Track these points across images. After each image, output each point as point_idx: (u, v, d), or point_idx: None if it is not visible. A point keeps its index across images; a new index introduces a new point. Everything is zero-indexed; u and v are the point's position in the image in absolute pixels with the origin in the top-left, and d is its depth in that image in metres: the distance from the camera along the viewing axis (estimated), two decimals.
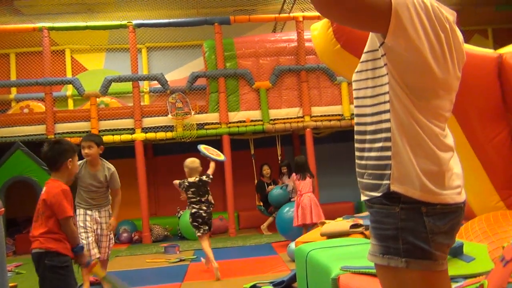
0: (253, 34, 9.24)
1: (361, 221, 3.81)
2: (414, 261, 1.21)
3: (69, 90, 9.34)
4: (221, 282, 4.74)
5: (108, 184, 4.38)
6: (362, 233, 3.65)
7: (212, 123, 8.19)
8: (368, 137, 1.32)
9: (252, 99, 8.32)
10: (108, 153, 6.27)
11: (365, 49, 1.37)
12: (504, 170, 2.62)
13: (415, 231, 1.21)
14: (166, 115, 8.09)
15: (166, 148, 9.13)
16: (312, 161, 8.17)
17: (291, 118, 8.30)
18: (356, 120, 1.38)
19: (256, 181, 8.59)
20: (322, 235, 3.80)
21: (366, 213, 4.43)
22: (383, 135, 1.28)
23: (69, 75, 9.38)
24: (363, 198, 1.34)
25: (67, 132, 7.94)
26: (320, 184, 8.39)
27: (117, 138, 7.92)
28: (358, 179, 1.36)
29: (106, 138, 7.74)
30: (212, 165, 5.42)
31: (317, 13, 8.55)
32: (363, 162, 1.33)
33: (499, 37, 9.60)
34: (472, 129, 2.61)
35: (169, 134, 8.09)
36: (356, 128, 1.38)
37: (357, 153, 1.37)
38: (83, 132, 7.82)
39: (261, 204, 8.33)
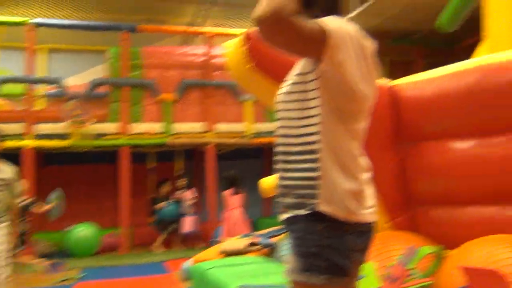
0: (161, 45, 9.06)
1: (259, 240, 3.90)
2: (334, 278, 1.25)
3: None
4: None
5: None
6: (259, 251, 3.74)
7: (111, 133, 7.82)
8: (293, 157, 1.35)
9: (156, 111, 8.11)
10: None
11: (296, 71, 1.41)
12: (394, 193, 2.79)
13: (337, 248, 1.26)
14: (61, 122, 7.57)
15: (57, 158, 8.53)
16: (212, 178, 8.14)
17: (194, 133, 8.20)
18: (280, 140, 1.40)
19: (151, 197, 8.32)
20: (221, 253, 3.82)
21: (263, 232, 4.48)
22: (311, 156, 1.31)
23: None
24: (284, 216, 1.36)
25: None
26: (219, 201, 8.34)
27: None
28: (279, 198, 1.38)
29: None
30: None
31: (227, 30, 8.67)
32: (287, 182, 1.36)
33: (395, 69, 10.49)
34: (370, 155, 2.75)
35: (64, 143, 7.57)
36: (279, 148, 1.40)
37: (280, 174, 1.39)
38: None
39: (153, 221, 8.11)
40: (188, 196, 8.10)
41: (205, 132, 8.26)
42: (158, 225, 8.04)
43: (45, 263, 6.54)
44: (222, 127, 8.37)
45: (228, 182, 6.79)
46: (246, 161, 9.75)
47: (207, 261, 3.57)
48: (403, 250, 2.29)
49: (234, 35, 8.33)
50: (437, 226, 2.62)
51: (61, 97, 7.91)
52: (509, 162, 2.28)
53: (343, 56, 1.28)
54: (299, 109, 1.36)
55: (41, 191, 8.34)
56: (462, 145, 2.51)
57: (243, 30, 8.89)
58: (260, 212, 9.65)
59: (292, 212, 1.32)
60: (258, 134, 8.43)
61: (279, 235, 3.85)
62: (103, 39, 8.60)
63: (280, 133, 1.41)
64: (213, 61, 8.36)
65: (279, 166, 1.40)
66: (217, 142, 8.29)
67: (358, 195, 1.30)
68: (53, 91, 8.49)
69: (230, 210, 6.54)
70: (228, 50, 3.31)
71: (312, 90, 1.33)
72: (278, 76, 2.68)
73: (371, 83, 1.36)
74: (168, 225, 7.95)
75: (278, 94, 1.44)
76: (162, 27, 8.41)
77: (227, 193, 6.65)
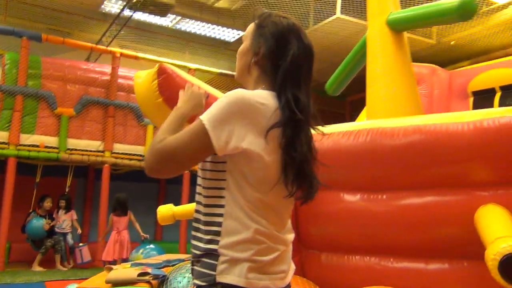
0: (64, 57, 8.77)
1: (149, 270, 3.71)
2: None
3: None
4: None
5: None
6: (148, 282, 3.53)
7: None
8: (201, 226, 1.34)
9: (51, 124, 7.80)
10: None
11: None
12: None
13: None
14: None
15: None
16: (105, 198, 7.99)
17: (90, 151, 8.02)
18: (195, 206, 1.39)
19: (28, 212, 7.89)
20: (107, 282, 3.59)
21: (154, 261, 4.47)
22: (215, 228, 1.31)
23: None
24: (194, 282, 1.36)
25: None
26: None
27: None
28: (191, 266, 1.39)
29: None
30: None
31: (134, 53, 8.67)
32: (196, 251, 1.35)
33: None
34: None
35: None
36: (194, 214, 1.39)
37: (192, 241, 1.39)
38: None
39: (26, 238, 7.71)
40: (66, 217, 7.88)
41: (103, 151, 8.12)
42: (32, 242, 7.66)
43: None
44: (121, 147, 8.29)
45: (117, 204, 7.22)
46: (143, 184, 9.70)
47: None
48: None
49: (142, 59, 8.49)
50: (323, 271, 2.90)
51: None
52: (387, 218, 2.66)
53: (230, 134, 1.24)
54: (208, 178, 1.34)
55: None
56: (349, 197, 2.81)
57: (152, 57, 9.03)
58: (153, 235, 9.60)
59: (196, 283, 1.32)
60: None
61: (172, 265, 3.80)
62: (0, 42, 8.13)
63: (196, 199, 1.39)
64: (118, 81, 8.33)
65: (192, 233, 1.39)
66: (114, 162, 8.19)
67: (261, 264, 1.28)
68: None
69: (118, 232, 6.98)
70: (138, 80, 3.29)
71: (223, 162, 1.31)
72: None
73: (274, 148, 1.31)
74: (41, 243, 7.59)
75: None
76: (68, 40, 8.18)
77: (114, 214, 7.15)
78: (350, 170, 2.87)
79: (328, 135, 2.99)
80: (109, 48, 8.44)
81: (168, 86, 2.97)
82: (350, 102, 11.51)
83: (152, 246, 6.63)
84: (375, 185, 2.78)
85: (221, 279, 1.26)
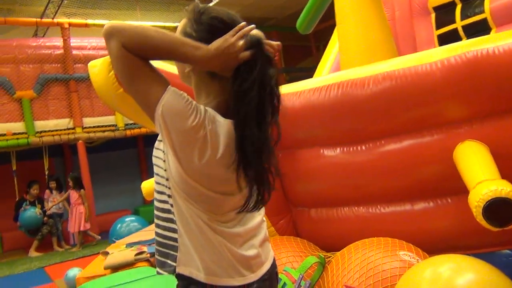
0: (9, 37, 8.29)
1: (145, 248, 3.81)
2: None
3: None
4: None
5: None
6: (147, 260, 3.64)
7: None
8: (159, 213, 1.31)
9: (14, 110, 7.53)
10: None
11: None
12: (273, 199, 3.03)
13: None
14: None
15: None
16: (86, 172, 7.92)
17: (61, 130, 7.83)
18: (155, 194, 1.34)
19: (17, 200, 7.82)
20: (106, 268, 3.63)
21: (146, 237, 4.52)
22: (171, 215, 1.28)
23: None
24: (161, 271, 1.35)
25: None
26: (96, 195, 8.18)
27: None
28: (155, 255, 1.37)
29: None
30: None
31: (83, 21, 8.26)
32: (156, 237, 1.34)
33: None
34: None
35: None
36: (154, 202, 1.35)
37: (155, 220, 1.36)
38: None
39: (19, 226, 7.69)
40: (60, 197, 7.87)
41: (73, 128, 7.92)
42: (26, 231, 7.65)
43: None
44: (91, 121, 8.10)
45: (73, 181, 7.70)
46: (122, 152, 9.62)
47: (93, 280, 3.36)
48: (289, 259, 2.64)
49: (93, 25, 8.07)
50: (314, 226, 2.98)
51: None
52: (370, 167, 2.67)
53: (170, 133, 1.18)
54: (160, 167, 1.29)
55: None
56: (329, 152, 2.82)
57: (102, 21, 8.57)
58: (141, 200, 9.66)
59: (158, 271, 1.34)
60: (130, 126, 8.35)
61: None
62: None
63: (155, 188, 1.34)
64: (72, 53, 7.97)
65: (155, 220, 1.35)
66: (87, 137, 8.03)
67: (218, 264, 1.27)
68: None
69: (74, 206, 7.64)
70: (94, 70, 3.06)
71: (161, 158, 1.28)
72: None
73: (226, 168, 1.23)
74: (36, 230, 7.60)
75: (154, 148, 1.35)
76: (10, 18, 7.68)
77: (72, 191, 7.70)
78: (326, 126, 2.86)
79: (299, 93, 2.94)
80: (55, 20, 7.97)
81: None
82: (314, 34, 11.29)
83: (132, 218, 6.62)
84: (353, 137, 2.78)
85: (180, 270, 1.29)
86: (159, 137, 1.30)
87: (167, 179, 1.26)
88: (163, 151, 1.26)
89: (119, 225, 6.37)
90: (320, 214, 2.99)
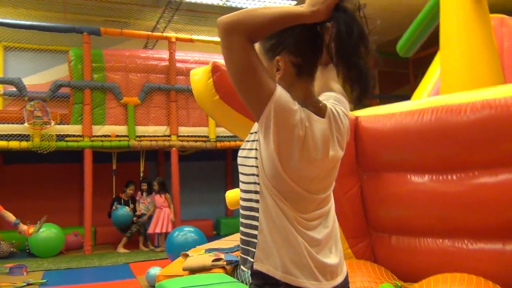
0: (123, 47, 9.05)
1: (222, 255, 3.93)
2: None
3: None
4: None
5: None
6: (223, 267, 3.75)
7: (74, 135, 7.82)
8: (243, 212, 1.36)
9: (119, 114, 8.15)
10: None
11: (251, 129, 1.38)
12: (354, 221, 3.00)
13: None
14: (22, 123, 7.49)
15: (19, 156, 8.41)
16: (176, 179, 8.31)
17: (158, 136, 8.32)
18: (240, 194, 1.39)
19: (112, 198, 8.39)
20: (185, 269, 3.80)
21: (226, 245, 4.63)
22: (254, 213, 1.31)
23: None
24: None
25: None
26: (182, 202, 8.55)
27: None
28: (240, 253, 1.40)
29: None
30: None
31: (189, 36, 8.81)
32: (240, 235, 1.38)
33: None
34: None
35: (24, 144, 7.48)
36: (240, 202, 1.39)
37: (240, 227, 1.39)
38: None
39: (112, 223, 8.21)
40: (150, 199, 8.29)
41: (169, 135, 8.40)
42: (118, 227, 8.16)
43: (6, 265, 6.49)
44: (186, 130, 8.52)
45: (158, 185, 8.02)
46: (211, 163, 10.01)
47: (171, 279, 3.54)
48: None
49: (197, 41, 8.56)
50: (394, 254, 2.89)
51: (20, 97, 7.81)
52: (460, 199, 2.56)
53: (275, 132, 1.21)
54: (245, 174, 1.34)
55: (1, 190, 8.27)
56: (417, 179, 2.75)
57: (206, 38, 9.03)
58: (224, 212, 9.92)
59: (242, 268, 1.41)
60: (221, 138, 8.67)
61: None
62: (63, 39, 8.49)
63: (241, 188, 1.38)
64: (176, 65, 8.50)
65: (240, 220, 1.39)
66: (180, 145, 8.46)
67: (299, 264, 1.27)
68: (11, 90, 8.36)
69: (158, 209, 7.96)
70: (194, 77, 3.29)
71: (253, 158, 1.31)
72: (245, 109, 2.78)
73: (316, 167, 1.28)
74: (126, 228, 8.07)
75: (240, 149, 1.40)
76: (125, 30, 8.40)
77: (156, 195, 7.95)
78: (416, 151, 2.78)
79: (390, 115, 2.89)
80: (164, 34, 8.59)
81: (223, 83, 2.97)
82: (413, 61, 10.99)
83: (190, 228, 6.76)
84: (444, 165, 2.67)
85: (258, 267, 1.30)
86: (248, 137, 1.37)
87: (256, 175, 1.29)
88: (255, 149, 1.30)
89: (176, 233, 6.62)
90: (401, 242, 2.88)
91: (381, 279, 2.66)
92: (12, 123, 7.51)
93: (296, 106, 1.24)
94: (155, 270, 5.20)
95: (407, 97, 5.38)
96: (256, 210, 1.30)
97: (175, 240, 6.31)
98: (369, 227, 3.08)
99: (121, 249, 7.93)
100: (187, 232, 6.49)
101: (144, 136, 8.23)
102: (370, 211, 3.01)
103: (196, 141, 8.56)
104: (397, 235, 2.90)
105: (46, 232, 7.46)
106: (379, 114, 2.98)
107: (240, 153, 1.39)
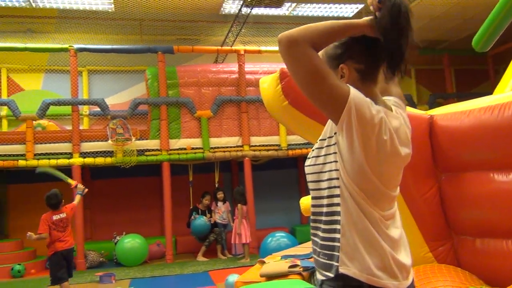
0: (195, 63, 9.43)
1: (298, 262, 3.92)
2: None
3: (3, 110, 8.99)
4: None
5: None
6: (300, 273, 3.73)
7: (153, 150, 8.23)
8: (322, 218, 1.38)
9: (193, 127, 8.47)
10: (44, 175, 6.22)
11: (321, 137, 1.41)
12: (433, 223, 2.89)
13: None
14: (106, 140, 8.01)
15: (104, 172, 8.99)
16: (250, 188, 8.45)
17: (230, 147, 8.53)
18: (312, 201, 1.43)
19: (190, 208, 8.68)
20: (262, 275, 3.83)
21: (303, 252, 4.62)
22: (336, 217, 1.33)
23: (4, 95, 9.04)
24: (319, 277, 1.37)
25: (1, 155, 7.64)
26: (256, 210, 8.67)
27: (53, 162, 7.72)
28: (314, 256, 1.42)
29: (42, 162, 7.57)
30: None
31: (257, 48, 9.00)
32: (319, 240, 1.38)
33: (420, 77, 10.95)
34: (406, 185, 2.89)
35: (109, 160, 8.01)
36: (312, 209, 1.42)
37: (312, 231, 1.43)
38: (17, 155, 7.63)
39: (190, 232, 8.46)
40: (224, 208, 8.48)
41: (241, 145, 8.58)
42: (196, 237, 8.41)
43: (96, 274, 6.92)
44: (258, 140, 8.67)
45: (238, 196, 7.97)
46: (282, 171, 10.07)
47: (249, 285, 3.60)
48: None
49: (265, 52, 8.71)
50: (479, 257, 2.73)
51: (104, 116, 8.38)
52: None
53: (357, 128, 1.26)
54: (327, 171, 1.36)
55: (90, 204, 8.89)
56: (501, 177, 2.61)
57: (274, 48, 9.16)
58: (298, 219, 9.93)
59: (324, 273, 1.35)
60: (292, 146, 8.72)
61: None
62: (140, 59, 9.01)
63: (313, 195, 1.42)
64: (246, 77, 8.69)
65: (312, 224, 1.43)
66: (253, 155, 8.60)
67: (381, 264, 1.30)
68: (95, 110, 8.99)
69: (237, 219, 7.90)
70: (264, 85, 3.35)
71: (331, 162, 1.34)
72: (314, 114, 2.84)
73: (392, 163, 1.33)
74: (204, 237, 8.31)
75: (308, 158, 1.45)
76: (196, 47, 8.75)
77: (239, 205, 7.94)
78: (498, 148, 2.64)
79: (468, 112, 2.78)
80: (233, 48, 8.83)
81: (291, 89, 3.00)
82: (493, 56, 10.40)
83: (282, 234, 6.78)
84: None
85: (343, 270, 1.32)
86: (318, 144, 1.41)
87: (337, 179, 1.32)
88: (334, 152, 1.34)
89: (269, 239, 6.65)
90: (486, 245, 2.74)
91: (466, 283, 2.54)
92: (97, 141, 8.06)
93: (371, 102, 1.30)
94: (233, 277, 5.31)
95: (487, 94, 5.11)
96: (338, 213, 1.33)
97: (268, 245, 6.46)
98: (451, 230, 2.95)
99: (200, 258, 8.18)
100: (280, 238, 6.62)
101: (217, 148, 8.48)
102: (450, 213, 2.89)
103: (268, 150, 8.68)
104: (481, 238, 2.76)
105: (131, 242, 7.91)
106: (456, 111, 2.87)
107: (310, 161, 1.43)
